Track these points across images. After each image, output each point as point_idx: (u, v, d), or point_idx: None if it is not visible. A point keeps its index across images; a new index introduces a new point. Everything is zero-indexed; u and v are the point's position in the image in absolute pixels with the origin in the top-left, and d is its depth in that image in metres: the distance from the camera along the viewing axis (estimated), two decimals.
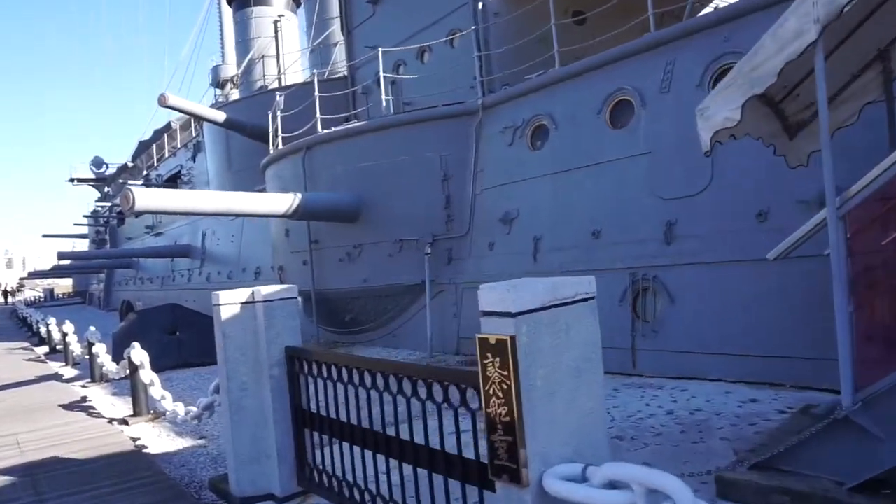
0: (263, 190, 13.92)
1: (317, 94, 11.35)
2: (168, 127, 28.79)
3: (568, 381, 2.33)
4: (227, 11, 35.58)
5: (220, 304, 4.40)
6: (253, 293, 4.41)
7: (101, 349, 12.07)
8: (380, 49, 11.33)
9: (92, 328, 12.53)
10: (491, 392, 2.34)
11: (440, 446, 2.83)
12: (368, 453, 3.40)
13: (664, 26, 7.72)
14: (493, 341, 2.35)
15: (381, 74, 11.19)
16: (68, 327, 12.87)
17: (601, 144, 8.04)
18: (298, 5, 29.47)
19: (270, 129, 13.62)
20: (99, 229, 42.25)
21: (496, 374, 2.31)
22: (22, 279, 71.14)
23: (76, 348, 12.29)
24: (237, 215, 8.84)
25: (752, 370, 6.18)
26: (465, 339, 9.74)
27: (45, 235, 48.33)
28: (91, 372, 12.17)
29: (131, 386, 8.45)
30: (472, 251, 9.89)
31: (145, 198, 7.56)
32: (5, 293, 50.52)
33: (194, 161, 22.06)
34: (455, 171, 10.13)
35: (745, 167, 6.33)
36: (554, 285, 2.34)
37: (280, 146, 12.53)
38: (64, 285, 72.51)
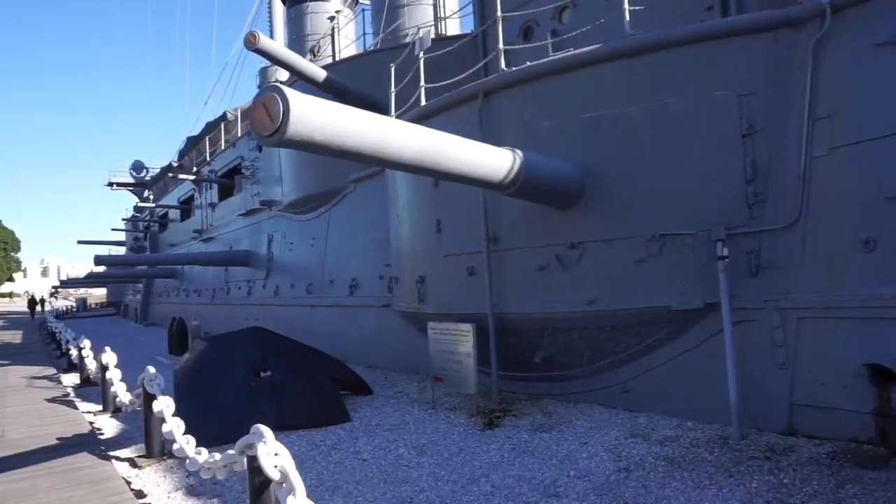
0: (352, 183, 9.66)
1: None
2: (223, 118, 25.23)
3: None
4: (278, 11, 32.72)
5: None
6: None
7: (115, 374, 8.77)
8: None
9: (108, 350, 8.87)
10: None
11: None
12: None
13: None
14: None
15: None
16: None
17: None
18: (355, 2, 26.40)
19: (392, 89, 9.63)
20: (137, 235, 38.93)
21: None
22: (55, 287, 68.71)
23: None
24: (432, 174, 4.72)
25: None
26: (807, 410, 5.51)
27: (80, 242, 45.21)
28: (103, 399, 9.13)
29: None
30: (808, 253, 5.67)
31: (306, 109, 3.51)
32: (32, 303, 47.38)
33: (260, 150, 18.27)
34: (766, 121, 5.97)
35: None
36: None
37: (422, 101, 8.52)
38: (97, 295, 69.89)
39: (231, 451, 4.02)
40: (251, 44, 9.46)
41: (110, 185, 48.78)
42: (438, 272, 8.22)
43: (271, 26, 32.48)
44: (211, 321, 19.44)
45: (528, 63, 7.23)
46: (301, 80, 11.49)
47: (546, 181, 6.22)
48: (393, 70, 10.03)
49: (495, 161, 5.38)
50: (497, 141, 6.62)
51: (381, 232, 11.88)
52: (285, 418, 7.32)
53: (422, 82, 8.68)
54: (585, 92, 6.74)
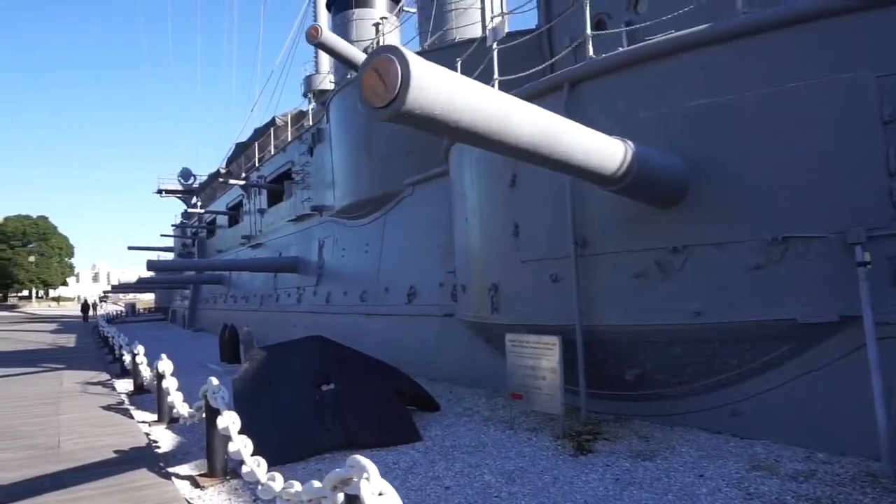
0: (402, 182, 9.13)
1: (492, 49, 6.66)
2: (272, 123, 25.19)
3: None
4: (323, 18, 32.75)
5: None
6: None
7: (171, 384, 8.25)
8: None
9: (164, 358, 8.50)
10: None
11: None
12: None
13: None
14: None
15: None
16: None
17: None
18: (400, 9, 26.12)
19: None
20: (186, 241, 39.40)
21: None
22: (105, 292, 70.53)
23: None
24: (544, 161, 4.07)
25: None
26: None
27: (130, 248, 46.57)
28: (159, 409, 8.81)
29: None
30: None
31: (428, 75, 2.94)
32: (86, 308, 48.59)
33: (311, 154, 17.97)
34: None
35: None
36: None
37: None
38: (145, 300, 71.43)
39: (318, 485, 3.44)
40: (313, 37, 9.04)
41: (159, 192, 49.89)
42: (515, 279, 7.56)
43: None
44: (260, 328, 19.19)
45: (621, 49, 6.56)
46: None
47: (657, 176, 5.52)
48: (459, 65, 9.48)
49: (609, 150, 4.72)
50: None
51: (442, 237, 11.32)
52: (352, 436, 6.76)
53: (495, 75, 8.10)
54: (691, 78, 6.02)
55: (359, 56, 10.35)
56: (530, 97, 7.20)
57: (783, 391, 5.76)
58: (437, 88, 3.07)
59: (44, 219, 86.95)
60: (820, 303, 5.35)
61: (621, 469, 5.48)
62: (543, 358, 6.62)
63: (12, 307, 77.78)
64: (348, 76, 16.35)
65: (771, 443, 5.77)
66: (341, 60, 10.41)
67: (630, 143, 5.08)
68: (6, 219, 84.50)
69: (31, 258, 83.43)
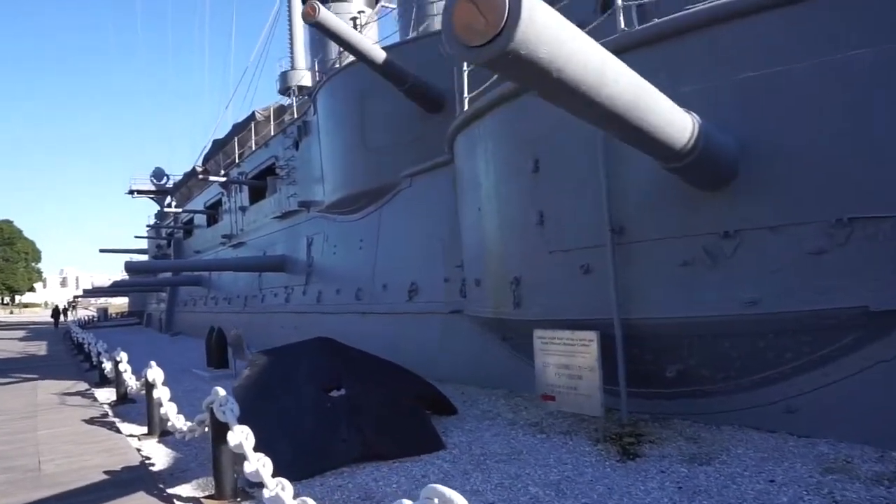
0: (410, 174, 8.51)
1: None
2: (252, 118, 24.29)
3: None
4: (298, 14, 31.90)
5: None
6: None
7: (163, 394, 7.53)
8: None
9: (153, 365, 7.84)
10: None
11: None
12: None
13: None
14: None
15: None
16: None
17: None
18: (377, 1, 25.44)
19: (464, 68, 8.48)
20: (160, 243, 38.13)
21: None
22: (77, 297, 68.33)
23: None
24: (624, 129, 3.51)
25: None
26: None
27: (101, 251, 44.82)
28: (149, 421, 8.02)
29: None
30: None
31: (537, 7, 2.37)
32: (56, 313, 46.88)
33: (297, 148, 17.19)
34: None
35: None
36: None
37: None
38: (117, 304, 69.39)
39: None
40: (310, 16, 8.38)
41: (131, 192, 48.37)
42: (541, 272, 7.01)
43: (290, 27, 31.69)
44: (246, 330, 18.35)
45: (657, 20, 6.04)
46: (362, 59, 10.31)
47: (720, 153, 5.01)
48: None
49: (681, 121, 4.20)
50: None
51: (445, 230, 10.74)
52: (372, 447, 6.13)
53: None
54: (741, 48, 5.52)
55: (355, 38, 9.70)
56: None
57: (847, 384, 5.31)
58: (547, 26, 2.49)
59: (8, 223, 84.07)
60: (892, 288, 4.91)
61: (679, 476, 4.98)
62: (579, 355, 6.10)
63: None
64: (336, 66, 15.64)
65: (835, 441, 5.33)
66: (340, 43, 9.74)
67: (695, 115, 4.57)
68: None
69: None
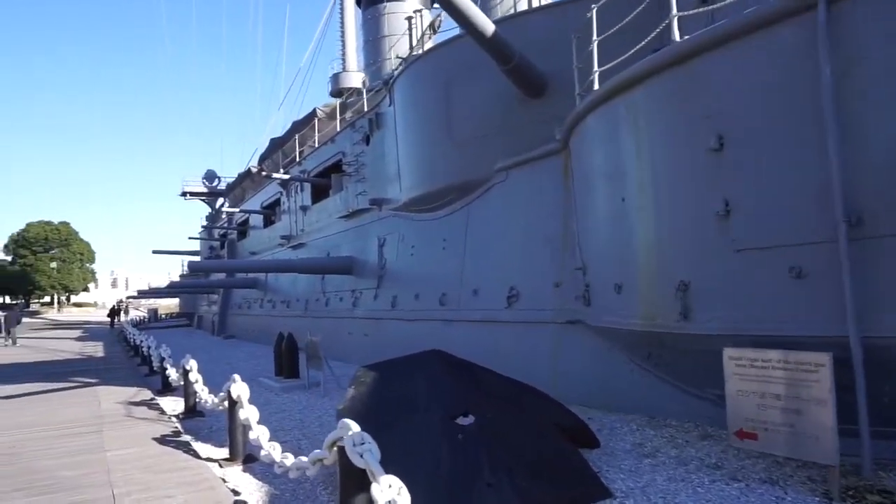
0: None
1: None
2: (313, 115, 23.43)
3: None
4: (350, 16, 31.14)
5: None
6: None
7: (251, 414, 6.35)
8: None
9: (237, 379, 6.61)
10: None
11: None
12: None
13: None
14: None
15: None
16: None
17: None
18: (433, 1, 24.35)
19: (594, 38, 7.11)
20: (213, 244, 37.78)
21: None
22: (129, 297, 69.36)
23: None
24: None
25: None
26: None
27: (154, 251, 44.95)
28: (231, 443, 6.86)
29: None
30: None
31: None
32: (113, 313, 47.29)
33: (367, 143, 16.10)
34: None
35: None
36: None
37: (675, 33, 5.99)
38: (166, 305, 70.10)
39: None
40: None
41: (184, 194, 48.66)
42: (723, 275, 5.58)
43: (342, 29, 30.89)
44: (307, 336, 17.36)
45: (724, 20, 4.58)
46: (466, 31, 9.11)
47: None
48: (594, 12, 7.60)
49: None
50: (855, 71, 3.99)
51: (555, 228, 9.40)
52: (525, 493, 4.79)
53: (674, 11, 6.16)
54: None
55: (485, 23, 8.65)
56: (755, 26, 5.24)
57: None
58: None
59: (65, 224, 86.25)
60: None
61: None
62: (802, 385, 4.65)
63: (34, 313, 77.00)
64: (415, 52, 14.47)
65: None
66: (462, 23, 8.68)
67: None
68: (28, 225, 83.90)
69: (53, 264, 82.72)
